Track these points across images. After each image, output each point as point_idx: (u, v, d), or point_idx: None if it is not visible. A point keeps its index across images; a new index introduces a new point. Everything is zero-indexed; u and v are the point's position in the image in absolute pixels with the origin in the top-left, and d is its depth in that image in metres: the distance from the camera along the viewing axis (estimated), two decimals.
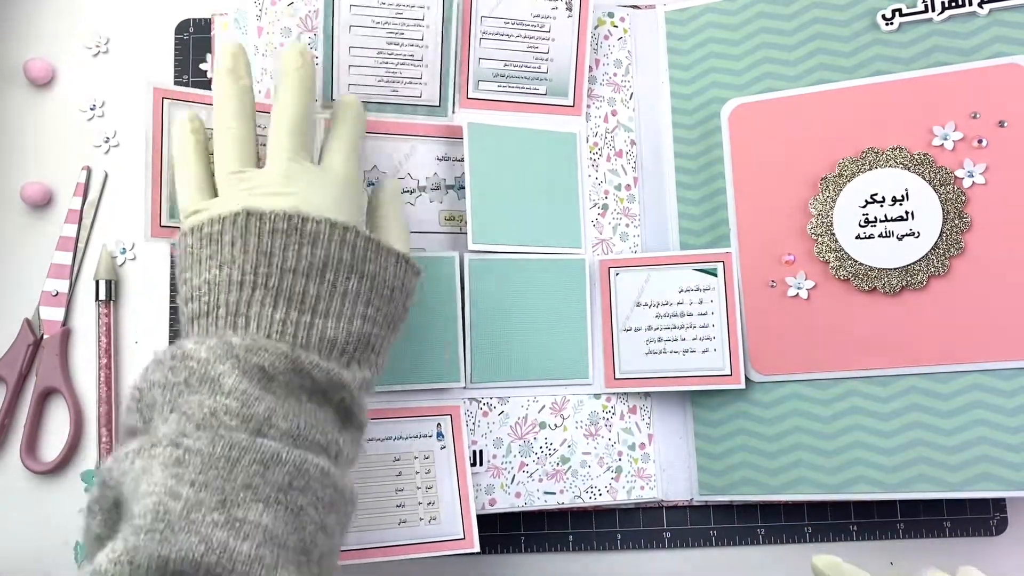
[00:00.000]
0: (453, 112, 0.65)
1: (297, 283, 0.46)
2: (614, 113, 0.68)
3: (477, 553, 0.61)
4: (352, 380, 0.46)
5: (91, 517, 0.42)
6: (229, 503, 0.39)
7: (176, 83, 0.69)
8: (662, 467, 0.65)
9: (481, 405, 0.63)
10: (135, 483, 0.40)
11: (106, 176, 0.69)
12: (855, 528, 0.65)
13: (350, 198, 0.51)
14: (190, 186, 0.51)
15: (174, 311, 0.67)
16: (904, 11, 0.63)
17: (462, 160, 0.64)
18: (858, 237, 0.62)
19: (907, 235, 0.61)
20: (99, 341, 0.67)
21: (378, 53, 0.63)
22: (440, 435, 0.61)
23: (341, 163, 0.52)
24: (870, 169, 0.62)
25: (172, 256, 0.68)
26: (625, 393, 0.65)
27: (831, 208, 0.62)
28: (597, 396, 0.65)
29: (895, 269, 0.61)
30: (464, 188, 0.64)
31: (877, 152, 0.62)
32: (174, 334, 0.66)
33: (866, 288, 0.61)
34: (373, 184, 0.63)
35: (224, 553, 0.38)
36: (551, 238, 0.64)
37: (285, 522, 0.41)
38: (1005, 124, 0.60)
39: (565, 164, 0.66)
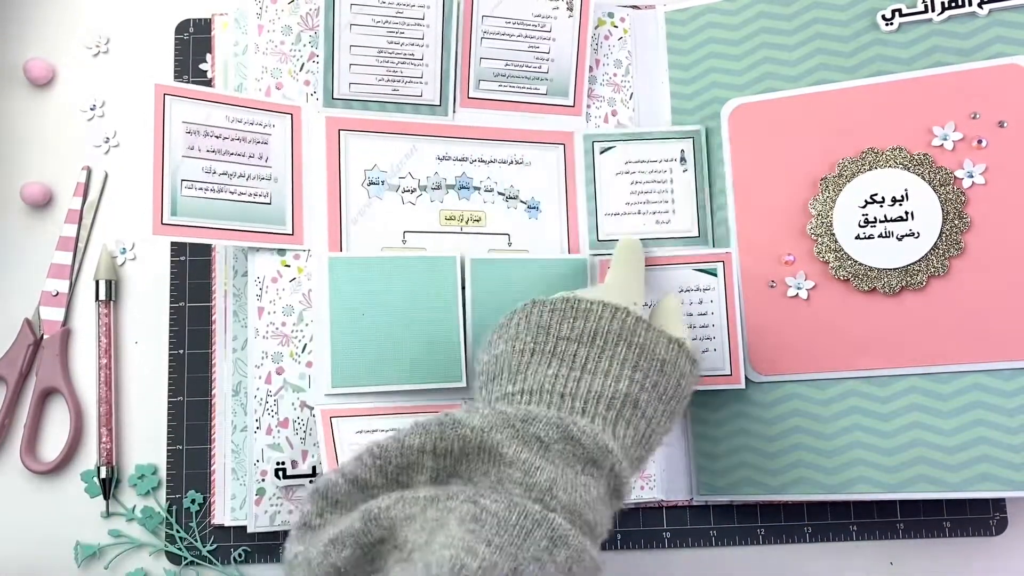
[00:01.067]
0: (454, 112, 0.65)
1: (569, 348, 0.49)
2: (614, 113, 0.68)
3: None
4: (617, 446, 0.47)
5: (336, 550, 0.42)
6: (519, 572, 0.40)
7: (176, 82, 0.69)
8: (662, 467, 0.65)
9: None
10: (428, 534, 0.40)
11: (106, 176, 0.69)
12: (855, 528, 0.65)
13: (625, 291, 0.57)
14: None
15: (174, 311, 0.67)
16: (904, 11, 0.63)
17: (463, 160, 0.64)
18: (858, 237, 0.62)
19: (907, 235, 0.61)
20: (99, 341, 0.66)
21: (379, 52, 0.63)
22: None
23: (618, 278, 0.59)
24: (870, 169, 0.62)
25: (171, 256, 0.68)
26: None
27: (831, 208, 0.62)
28: None
29: (895, 269, 0.61)
30: (464, 188, 0.64)
31: (877, 152, 0.62)
32: (174, 334, 0.66)
33: (866, 288, 0.61)
34: (375, 184, 0.63)
35: None
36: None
37: None
38: (1005, 124, 0.60)
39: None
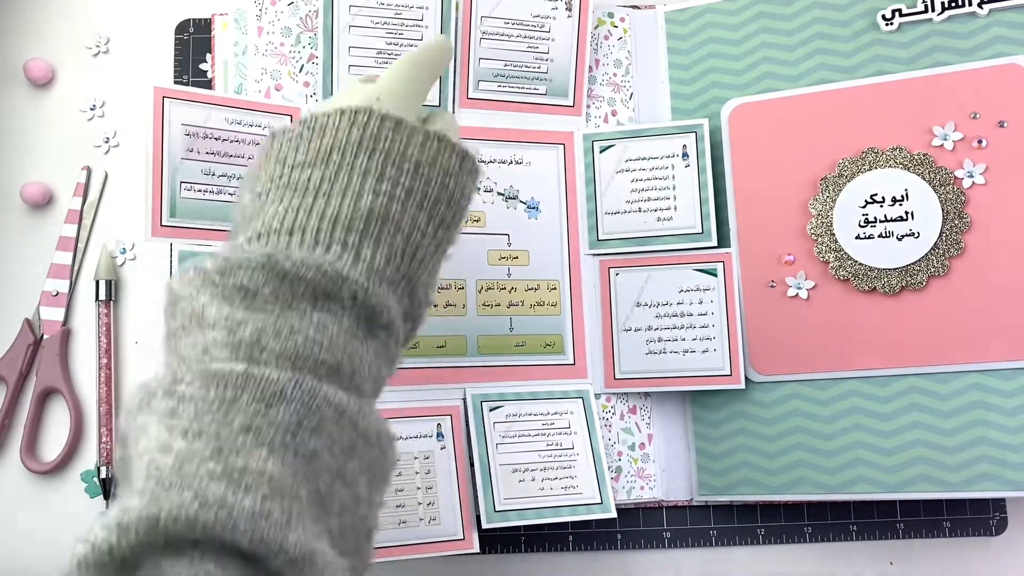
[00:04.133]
0: (453, 112, 0.65)
1: (303, 174, 0.42)
2: (614, 113, 0.68)
3: (477, 553, 0.61)
4: (358, 271, 0.40)
5: (121, 484, 0.38)
6: (227, 451, 0.34)
7: (176, 83, 0.69)
8: (662, 467, 0.65)
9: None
10: (136, 442, 0.36)
11: (106, 176, 0.69)
12: (855, 528, 0.65)
13: (386, 94, 0.45)
14: None
15: None
16: (904, 11, 0.63)
17: None
18: (858, 237, 0.62)
19: (907, 235, 0.61)
20: (99, 341, 0.67)
21: (377, 53, 0.63)
22: (440, 435, 0.61)
23: (388, 76, 0.47)
24: (870, 169, 0.62)
25: (172, 257, 0.68)
26: (625, 393, 0.65)
27: (831, 208, 0.62)
28: (597, 396, 0.65)
29: (895, 269, 0.61)
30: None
31: (877, 152, 0.62)
32: None
33: (866, 288, 0.61)
34: None
35: (222, 509, 0.33)
36: None
37: (295, 470, 0.35)
38: (1005, 124, 0.60)
39: None
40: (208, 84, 0.68)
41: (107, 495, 0.65)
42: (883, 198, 0.61)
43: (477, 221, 0.64)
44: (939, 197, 0.60)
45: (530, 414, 0.63)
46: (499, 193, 0.65)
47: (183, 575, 0.32)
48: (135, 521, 0.32)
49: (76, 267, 0.68)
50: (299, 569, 0.34)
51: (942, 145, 0.61)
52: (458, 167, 0.45)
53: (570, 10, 0.65)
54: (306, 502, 0.36)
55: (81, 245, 0.68)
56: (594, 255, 0.66)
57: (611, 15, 0.69)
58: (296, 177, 0.42)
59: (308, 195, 0.41)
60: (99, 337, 0.67)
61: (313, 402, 0.37)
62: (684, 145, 0.66)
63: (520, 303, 0.65)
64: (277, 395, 0.36)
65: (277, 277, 0.39)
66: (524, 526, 0.65)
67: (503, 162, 0.65)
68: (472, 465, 0.61)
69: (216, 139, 0.59)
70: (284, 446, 0.35)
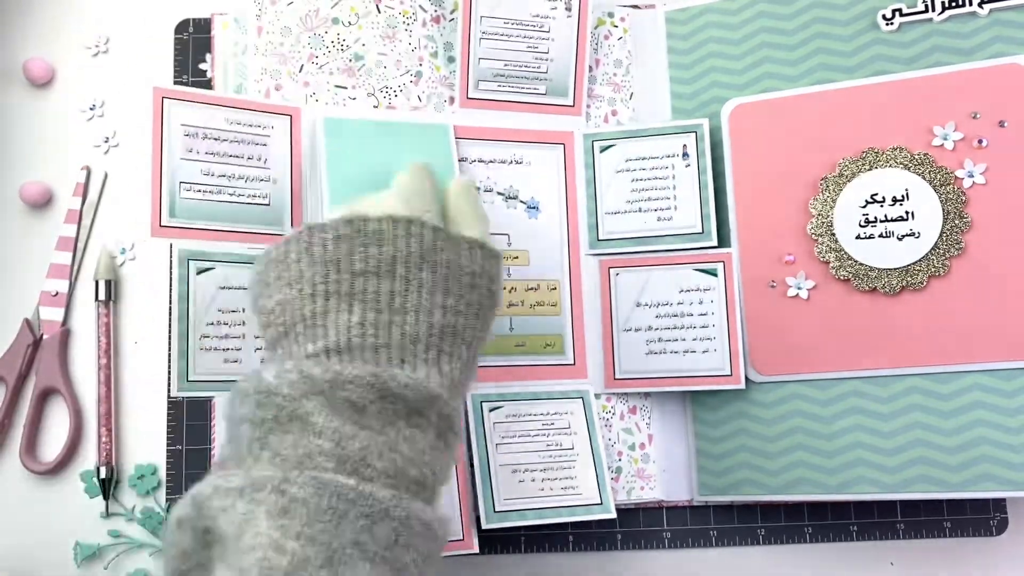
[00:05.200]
0: (453, 113, 0.65)
1: (369, 284, 0.43)
2: (614, 113, 0.68)
3: (477, 553, 0.60)
4: (443, 386, 0.44)
5: (180, 532, 0.40)
6: (336, 561, 0.37)
7: (176, 83, 0.69)
8: (662, 467, 0.65)
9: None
10: (237, 528, 0.38)
11: (106, 176, 0.69)
12: (855, 528, 0.65)
13: (414, 198, 0.49)
14: None
15: None
16: (904, 11, 0.63)
17: (463, 160, 0.64)
18: (858, 237, 0.62)
19: (907, 235, 0.61)
20: (99, 341, 0.67)
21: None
22: None
23: (409, 180, 0.50)
24: (870, 169, 0.62)
25: (171, 257, 0.68)
26: (625, 393, 0.65)
27: (831, 208, 0.62)
28: (597, 396, 0.65)
29: (895, 269, 0.61)
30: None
31: (877, 152, 0.62)
32: None
33: (866, 288, 0.61)
34: None
35: None
36: None
37: None
38: (1005, 124, 0.60)
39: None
40: (208, 84, 0.68)
41: (106, 495, 0.65)
42: (883, 198, 0.61)
43: None
44: (939, 197, 0.60)
45: (530, 414, 0.63)
46: (499, 193, 0.65)
47: None
48: None
49: (76, 267, 0.68)
50: None
51: (942, 145, 0.61)
52: (496, 269, 0.48)
53: (570, 10, 0.65)
54: None
55: (81, 245, 0.68)
56: (594, 255, 0.66)
57: (611, 15, 0.69)
58: (362, 287, 0.43)
59: (383, 310, 0.43)
60: (99, 337, 0.67)
61: (408, 520, 0.40)
62: (684, 145, 0.66)
63: (520, 303, 0.64)
64: (382, 513, 0.39)
65: (382, 396, 0.41)
66: (524, 526, 0.65)
67: (503, 162, 0.65)
68: (472, 466, 0.61)
69: (216, 139, 0.59)
70: (384, 560, 0.39)
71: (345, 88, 0.63)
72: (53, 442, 0.67)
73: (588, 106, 0.67)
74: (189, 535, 0.40)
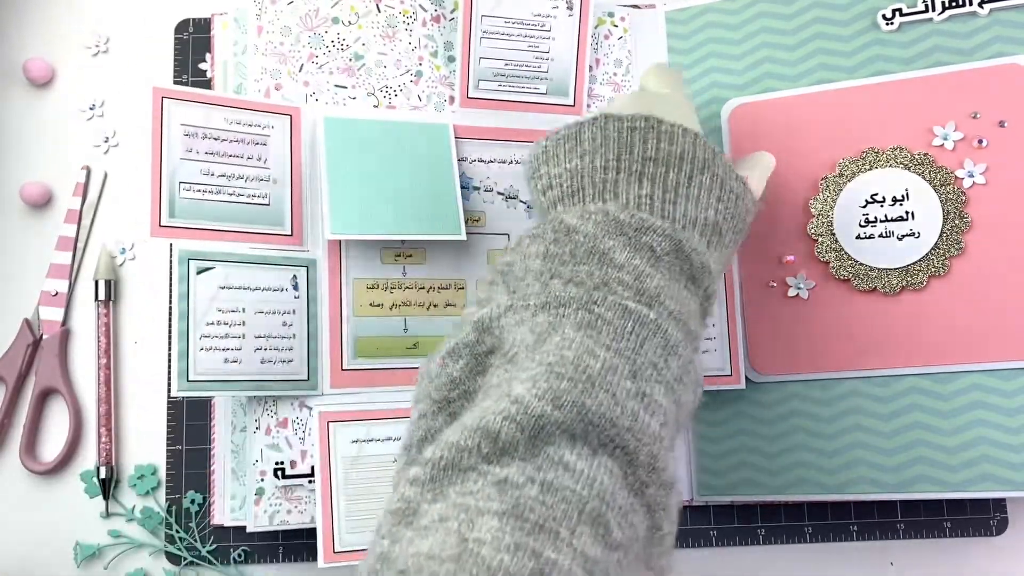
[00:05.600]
0: (453, 113, 0.65)
1: (658, 170, 0.47)
2: None
3: None
4: (715, 268, 0.48)
5: (452, 360, 0.44)
6: (639, 376, 0.40)
7: (176, 83, 0.69)
8: None
9: None
10: (537, 337, 0.41)
11: (106, 176, 0.69)
12: (855, 528, 0.65)
13: (694, 121, 0.53)
14: None
15: None
16: (904, 11, 0.63)
17: (463, 160, 0.64)
18: (858, 237, 0.62)
19: (907, 235, 0.61)
20: (98, 341, 0.67)
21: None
22: None
23: (679, 100, 0.54)
24: (870, 169, 0.62)
25: (171, 257, 0.68)
26: None
27: (831, 208, 0.62)
28: None
29: (895, 269, 0.61)
30: (464, 188, 0.64)
31: (877, 152, 0.62)
32: None
33: (866, 288, 0.61)
34: None
35: (636, 422, 0.39)
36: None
37: (674, 411, 0.42)
38: (1005, 124, 0.60)
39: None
40: (208, 84, 0.68)
41: (106, 495, 0.65)
42: (883, 198, 0.61)
43: (477, 221, 0.64)
44: (939, 197, 0.60)
45: None
46: (499, 193, 0.65)
47: (583, 456, 0.38)
48: (570, 403, 0.38)
49: (75, 267, 0.68)
50: (665, 489, 0.41)
51: (942, 145, 0.61)
52: (754, 208, 0.52)
53: (571, 9, 0.65)
54: (671, 439, 0.42)
55: (80, 245, 0.68)
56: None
57: (611, 14, 0.69)
58: (652, 170, 0.47)
59: (669, 190, 0.47)
60: (98, 337, 0.67)
61: (690, 364, 0.44)
62: None
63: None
64: (674, 349, 0.42)
65: (676, 252, 0.45)
66: None
67: (503, 162, 0.65)
68: None
69: (215, 139, 0.59)
70: (671, 390, 0.42)
71: (345, 88, 0.63)
72: (53, 442, 0.67)
73: (588, 106, 0.67)
74: (463, 362, 0.44)
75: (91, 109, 0.70)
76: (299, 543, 0.64)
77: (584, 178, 0.48)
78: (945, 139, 0.61)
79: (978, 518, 0.65)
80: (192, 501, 0.65)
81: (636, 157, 0.47)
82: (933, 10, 0.62)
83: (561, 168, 0.49)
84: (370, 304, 0.62)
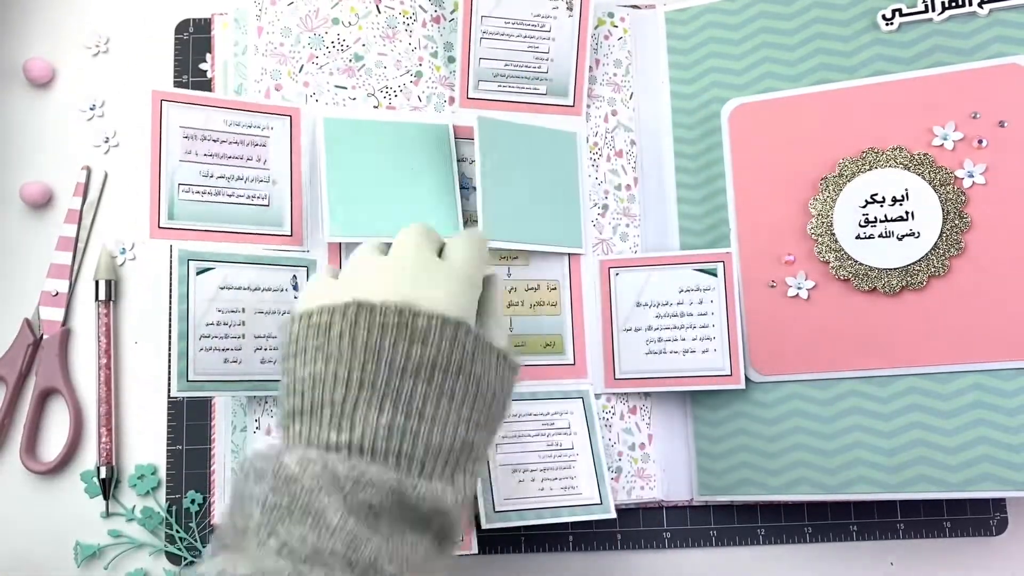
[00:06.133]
0: (453, 113, 0.65)
1: (404, 384, 0.44)
2: (614, 113, 0.68)
3: (477, 554, 0.60)
4: (454, 501, 0.44)
5: None
6: None
7: (176, 83, 0.69)
8: (662, 467, 0.65)
9: None
10: None
11: (106, 176, 0.69)
12: (855, 528, 0.65)
13: (467, 292, 0.48)
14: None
15: None
16: (904, 11, 0.63)
17: (463, 160, 0.64)
18: (858, 237, 0.62)
19: (907, 235, 0.61)
20: (99, 341, 0.67)
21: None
22: None
23: (464, 259, 0.49)
24: (870, 169, 0.62)
25: (171, 258, 0.68)
26: (625, 393, 0.65)
27: (831, 208, 0.62)
28: (597, 396, 0.65)
29: (895, 269, 0.61)
30: (464, 188, 0.64)
31: (877, 152, 0.62)
32: None
33: (866, 288, 0.61)
34: None
35: None
36: (553, 237, 0.64)
37: None
38: (1005, 124, 0.60)
39: (567, 162, 0.65)
40: (208, 84, 0.68)
41: (106, 495, 0.65)
42: (883, 198, 0.61)
43: (476, 221, 0.64)
44: (939, 197, 0.60)
45: (530, 414, 0.63)
46: None
47: None
48: None
49: (76, 267, 0.68)
50: None
51: (942, 145, 0.61)
52: (513, 383, 0.48)
53: (571, 10, 0.65)
54: None
55: (81, 245, 0.68)
56: (594, 255, 0.66)
57: (611, 15, 0.69)
58: (396, 385, 0.43)
59: (412, 416, 0.44)
60: (99, 337, 0.67)
61: None
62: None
63: (520, 303, 0.65)
64: None
65: (399, 504, 0.42)
66: (524, 526, 0.65)
67: None
68: None
69: (214, 141, 0.59)
70: None
71: (345, 88, 0.63)
72: (53, 442, 0.67)
73: (588, 106, 0.67)
74: None
75: (91, 109, 0.70)
76: None
77: (325, 391, 0.44)
78: (945, 139, 0.61)
79: (978, 518, 0.65)
80: (192, 501, 0.65)
81: (383, 368, 0.43)
82: (933, 10, 0.62)
83: (305, 371, 0.45)
84: None
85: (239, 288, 0.59)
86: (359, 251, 0.49)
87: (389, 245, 0.49)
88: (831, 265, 0.62)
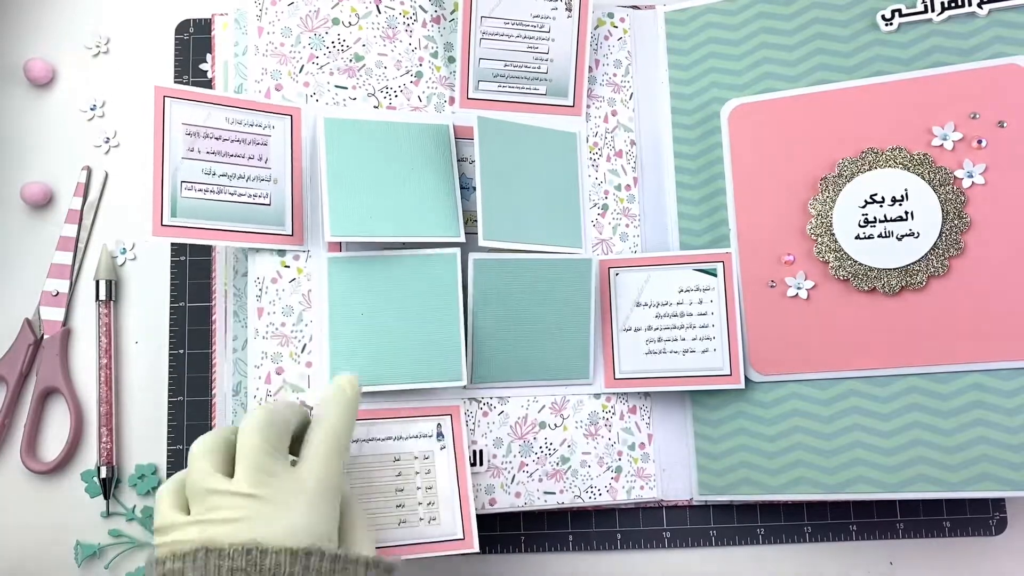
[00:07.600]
0: (453, 113, 0.65)
1: None
2: (614, 113, 0.68)
3: (477, 553, 0.61)
4: None
5: None
6: None
7: (176, 83, 0.69)
8: (662, 467, 0.65)
9: (481, 405, 0.63)
10: None
11: (106, 176, 0.70)
12: (855, 528, 0.65)
13: (320, 507, 0.47)
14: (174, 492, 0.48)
15: (174, 311, 0.67)
16: (904, 11, 0.63)
17: (463, 160, 0.64)
18: (858, 237, 0.62)
19: (907, 235, 0.61)
20: (99, 341, 0.67)
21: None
22: (440, 435, 0.61)
23: (319, 466, 0.48)
24: (870, 169, 0.62)
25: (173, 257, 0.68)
26: (625, 393, 0.65)
27: (831, 208, 0.62)
28: (597, 396, 0.65)
29: (895, 269, 0.61)
30: (464, 188, 0.64)
31: (877, 152, 0.62)
32: (174, 334, 0.67)
33: (866, 288, 0.61)
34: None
35: None
36: (553, 237, 0.64)
37: None
38: (1005, 124, 0.60)
39: (567, 162, 0.65)
40: (208, 84, 0.68)
41: (107, 495, 0.65)
42: (883, 198, 0.61)
43: (476, 222, 0.64)
44: (939, 197, 0.60)
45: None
46: None
47: None
48: None
49: (76, 267, 0.68)
50: None
51: (942, 145, 0.61)
52: None
53: (570, 10, 0.65)
54: None
55: (81, 245, 0.68)
56: (594, 255, 0.66)
57: (611, 15, 0.69)
58: None
59: None
60: (99, 337, 0.67)
61: None
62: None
63: None
64: None
65: None
66: (523, 526, 0.65)
67: None
68: (472, 465, 0.61)
69: (217, 139, 0.59)
70: None
71: (345, 88, 0.64)
72: (53, 442, 0.67)
73: (588, 106, 0.67)
74: None
75: (92, 109, 0.70)
76: None
77: None
78: (944, 139, 0.61)
79: (977, 518, 0.65)
80: None
81: None
82: (932, 10, 0.62)
83: None
84: None
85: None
86: (200, 472, 0.47)
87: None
88: (831, 265, 0.62)
